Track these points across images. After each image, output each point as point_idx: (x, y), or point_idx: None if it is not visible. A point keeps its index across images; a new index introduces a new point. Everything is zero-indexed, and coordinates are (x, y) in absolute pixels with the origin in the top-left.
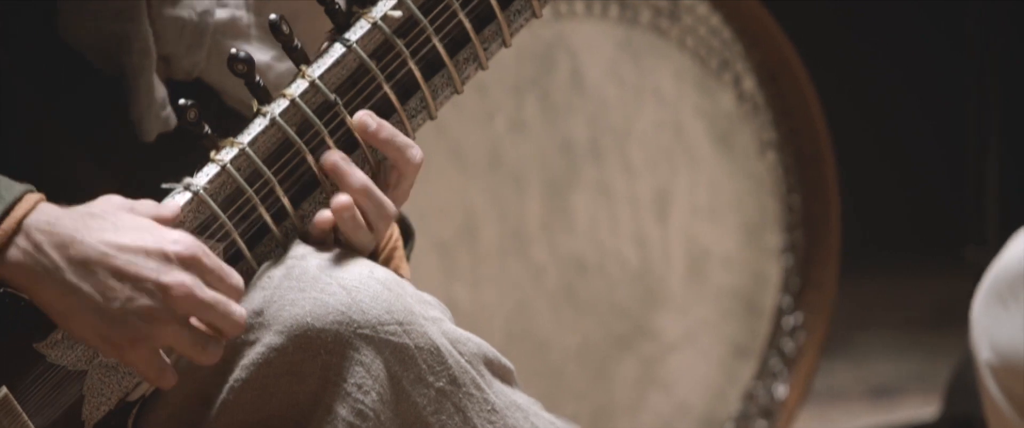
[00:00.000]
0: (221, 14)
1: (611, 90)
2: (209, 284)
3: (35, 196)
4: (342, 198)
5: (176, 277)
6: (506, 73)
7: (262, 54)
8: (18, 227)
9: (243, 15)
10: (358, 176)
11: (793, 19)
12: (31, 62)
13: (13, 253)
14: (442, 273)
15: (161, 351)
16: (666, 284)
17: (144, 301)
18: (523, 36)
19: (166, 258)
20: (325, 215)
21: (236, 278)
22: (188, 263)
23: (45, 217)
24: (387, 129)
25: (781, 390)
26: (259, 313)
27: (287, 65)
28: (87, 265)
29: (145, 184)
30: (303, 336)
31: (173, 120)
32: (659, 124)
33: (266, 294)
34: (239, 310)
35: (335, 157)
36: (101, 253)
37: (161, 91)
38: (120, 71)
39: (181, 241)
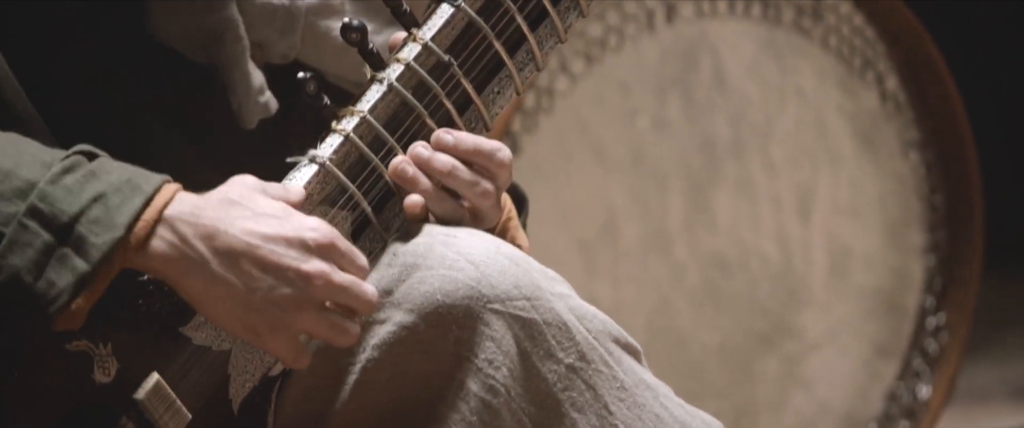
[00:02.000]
0: None
1: (753, 89)
2: (342, 268)
3: (173, 185)
4: (413, 198)
5: (315, 266)
6: (649, 72)
7: None
8: (160, 217)
9: None
10: (425, 182)
11: (936, 18)
12: (126, 60)
13: (157, 244)
14: (583, 271)
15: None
16: (808, 283)
17: (285, 290)
18: (666, 35)
19: (306, 247)
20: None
21: (363, 259)
22: (325, 250)
23: (188, 207)
24: (466, 140)
25: (924, 390)
26: (388, 292)
27: (382, 37)
28: (232, 256)
29: (251, 171)
30: (434, 313)
31: (273, 105)
32: (801, 123)
33: (393, 272)
34: (370, 289)
35: (402, 163)
36: (246, 243)
37: (258, 78)
38: (215, 62)
39: (318, 229)
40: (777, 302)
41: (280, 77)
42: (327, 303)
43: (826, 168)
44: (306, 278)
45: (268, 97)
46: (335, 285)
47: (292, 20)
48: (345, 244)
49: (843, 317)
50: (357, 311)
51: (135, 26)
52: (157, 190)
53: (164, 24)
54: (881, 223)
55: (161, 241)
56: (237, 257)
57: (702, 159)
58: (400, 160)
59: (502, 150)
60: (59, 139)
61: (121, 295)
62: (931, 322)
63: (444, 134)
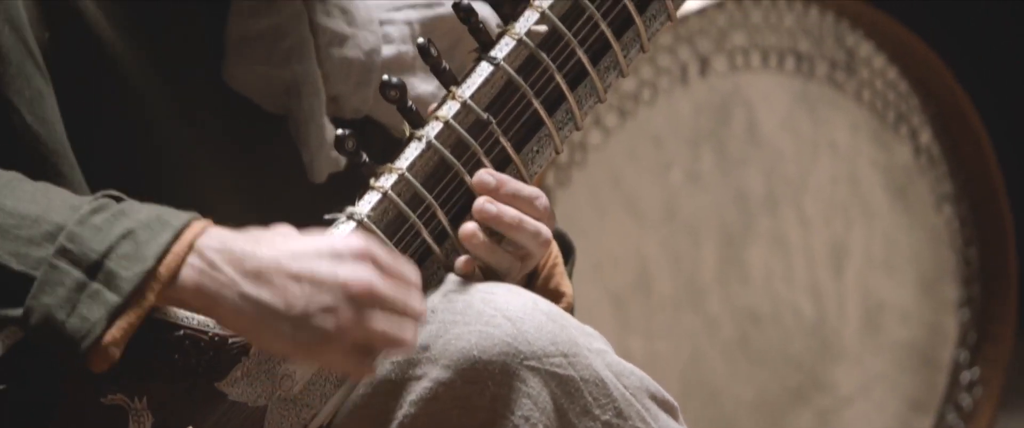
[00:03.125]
0: (387, 51)
1: (787, 142)
2: (384, 275)
3: (203, 221)
4: (468, 226)
5: (352, 271)
6: (682, 125)
7: (427, 85)
8: (190, 248)
9: (408, 49)
10: (511, 184)
11: (970, 72)
12: (199, 107)
13: (188, 273)
14: (617, 324)
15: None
16: (841, 337)
17: (325, 299)
18: (700, 88)
19: (338, 255)
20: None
21: (409, 267)
22: (360, 256)
23: (217, 237)
24: (509, 183)
25: None
26: (426, 348)
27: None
28: (262, 274)
29: (315, 224)
30: (471, 369)
31: (343, 160)
32: (835, 177)
33: (431, 328)
34: (419, 298)
35: (482, 201)
36: (274, 260)
37: (331, 132)
38: (288, 113)
39: (350, 238)
40: (811, 356)
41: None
42: (375, 311)
43: (860, 222)
44: (343, 285)
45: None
46: (377, 291)
47: (367, 74)
48: (384, 252)
49: (877, 371)
50: (405, 314)
51: (210, 74)
52: (186, 225)
53: (241, 73)
54: (915, 277)
55: (191, 270)
56: (268, 275)
57: (735, 212)
58: (469, 226)
59: (542, 197)
60: (119, 186)
61: (157, 349)
62: (965, 376)
63: (486, 176)
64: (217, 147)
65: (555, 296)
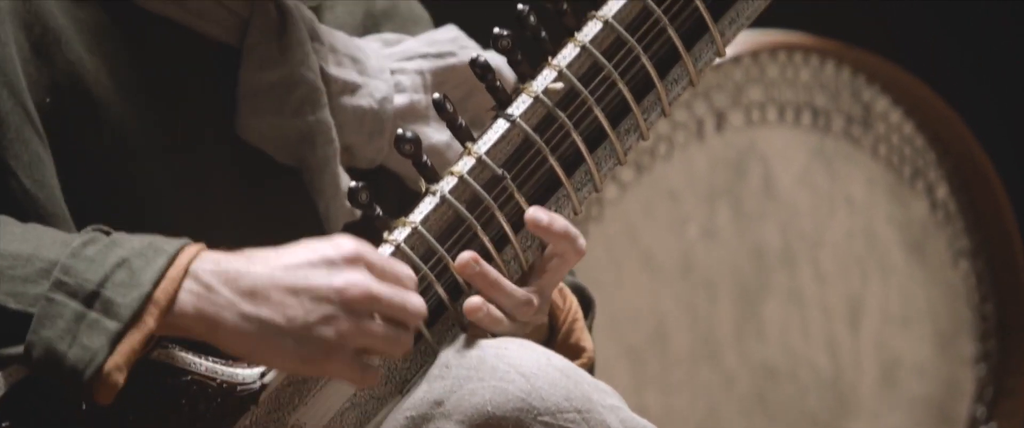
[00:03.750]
0: (400, 100)
1: (803, 197)
2: (379, 278)
3: (196, 245)
4: (473, 300)
5: (346, 277)
6: (699, 180)
7: (440, 135)
8: (185, 273)
9: (421, 98)
10: (491, 275)
11: (987, 127)
12: (210, 163)
13: (185, 298)
14: (633, 379)
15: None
16: (858, 392)
17: (323, 309)
18: (716, 143)
19: (331, 263)
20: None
21: (404, 268)
22: (353, 261)
23: (210, 260)
24: (559, 221)
25: None
26: (439, 403)
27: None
28: (259, 292)
29: None
30: (485, 425)
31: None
32: (851, 232)
33: (445, 384)
34: (416, 298)
35: (466, 257)
36: (269, 276)
37: (346, 181)
38: (303, 164)
39: (341, 243)
40: (827, 411)
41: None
42: (374, 316)
43: (876, 277)
44: (339, 292)
45: None
46: (373, 294)
47: (380, 124)
48: (377, 255)
49: (894, 427)
50: (404, 321)
51: (221, 128)
52: (180, 250)
53: (253, 125)
54: (931, 332)
55: (188, 294)
56: (265, 291)
57: (752, 267)
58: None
59: (581, 238)
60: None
61: (163, 394)
62: None
63: (540, 213)
64: (230, 201)
65: (576, 351)
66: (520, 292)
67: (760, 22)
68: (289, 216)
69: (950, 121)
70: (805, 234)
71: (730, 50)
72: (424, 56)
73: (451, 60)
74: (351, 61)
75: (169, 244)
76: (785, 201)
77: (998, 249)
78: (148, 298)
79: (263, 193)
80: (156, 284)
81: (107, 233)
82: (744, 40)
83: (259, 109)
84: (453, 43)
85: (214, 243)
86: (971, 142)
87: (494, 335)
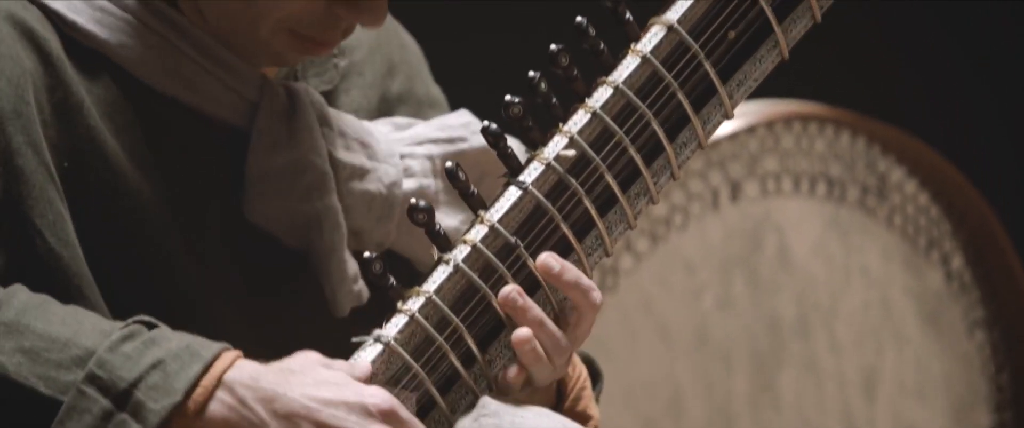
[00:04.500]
0: (409, 185)
1: (818, 268)
2: None
3: (233, 353)
4: (522, 332)
5: None
6: (714, 251)
7: (452, 218)
8: (219, 382)
9: (430, 183)
10: (535, 310)
11: (1002, 197)
12: (217, 243)
13: (216, 407)
14: None
15: None
16: None
17: None
18: (731, 214)
19: (367, 411)
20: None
21: None
22: (387, 416)
23: (247, 373)
24: (571, 271)
25: None
26: None
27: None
28: (292, 419)
29: (338, 357)
30: None
31: (365, 294)
32: (866, 302)
33: None
34: None
35: (512, 292)
36: (305, 406)
37: (353, 266)
38: (310, 248)
39: (378, 395)
40: None
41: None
42: None
43: (891, 347)
44: None
45: (361, 286)
46: None
47: (389, 208)
48: (407, 414)
49: None
50: None
51: (229, 209)
52: (216, 356)
53: (261, 208)
54: (947, 403)
55: (220, 404)
56: (297, 420)
57: (767, 338)
58: (509, 288)
59: (596, 291)
60: (140, 309)
61: None
62: None
63: (551, 260)
64: (236, 282)
65: (582, 419)
66: (560, 333)
67: (775, 92)
68: (295, 299)
69: (965, 191)
70: (820, 304)
71: (745, 120)
72: (434, 141)
73: (462, 145)
74: (360, 145)
75: (206, 349)
76: (800, 271)
77: (1013, 319)
78: (178, 407)
79: (269, 275)
80: (189, 393)
81: (150, 325)
82: (759, 110)
83: (267, 192)
84: (464, 128)
85: (219, 320)
86: (986, 212)
87: (513, 392)
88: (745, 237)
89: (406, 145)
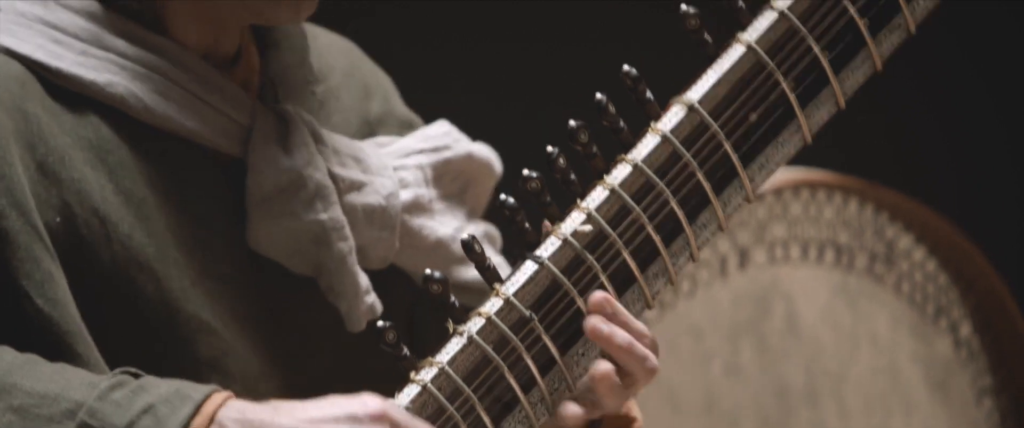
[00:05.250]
0: (405, 195)
1: (827, 335)
2: None
3: (223, 393)
4: (604, 365)
5: None
6: (722, 318)
7: (446, 227)
8: (211, 421)
9: (424, 192)
10: (620, 316)
11: (1010, 264)
12: (222, 279)
13: None
14: None
15: None
16: None
17: None
18: (739, 281)
19: (356, 419)
20: None
21: (424, 425)
22: (378, 418)
23: (236, 409)
24: (620, 335)
25: None
26: None
27: (470, 230)
28: None
29: (352, 373)
30: None
31: (378, 307)
32: (875, 369)
33: None
34: None
35: (595, 321)
36: None
37: (364, 279)
38: (319, 269)
39: (368, 401)
40: None
41: (376, 282)
42: None
43: (899, 415)
44: None
45: (374, 299)
46: None
47: (390, 220)
48: (402, 414)
49: None
50: None
51: (232, 242)
52: (206, 397)
53: (265, 234)
54: None
55: None
56: None
57: (776, 405)
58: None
59: (652, 358)
60: (149, 355)
61: None
62: None
63: (604, 302)
64: (245, 316)
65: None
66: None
67: None
68: (307, 326)
69: (973, 259)
70: (829, 371)
71: None
72: (421, 151)
73: (447, 153)
74: (354, 161)
75: (196, 391)
76: (808, 338)
77: (1022, 387)
78: None
79: (279, 304)
80: None
81: (135, 375)
82: None
83: (271, 214)
84: (446, 136)
85: (232, 355)
86: (994, 280)
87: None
88: (753, 304)
89: (396, 158)
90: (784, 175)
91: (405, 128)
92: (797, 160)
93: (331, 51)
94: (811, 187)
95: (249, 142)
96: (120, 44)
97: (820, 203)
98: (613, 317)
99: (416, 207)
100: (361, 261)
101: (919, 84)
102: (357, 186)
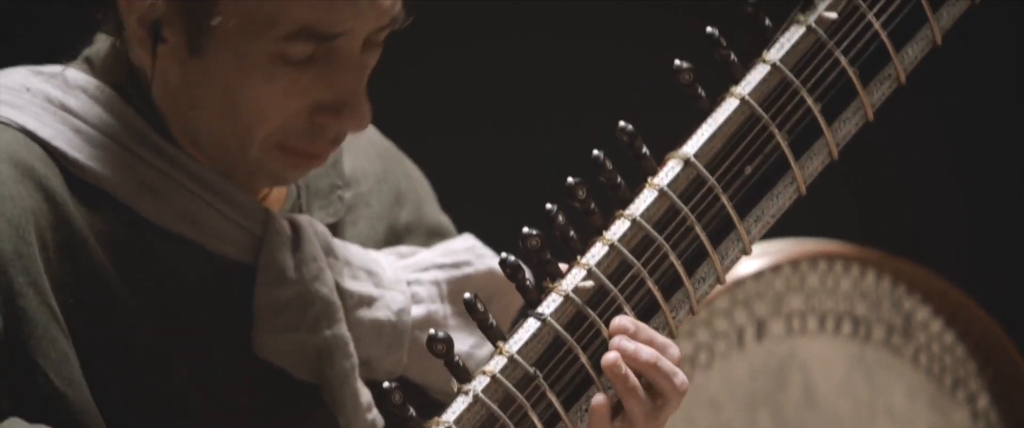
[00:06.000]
0: (417, 311)
1: (844, 407)
2: None
3: None
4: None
5: None
6: (739, 389)
7: (461, 343)
8: None
9: (438, 308)
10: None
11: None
12: (227, 379)
13: None
14: None
15: None
16: None
17: None
18: (756, 352)
19: None
20: None
21: None
22: None
23: None
24: (645, 351)
25: None
26: None
27: (486, 350)
28: None
29: None
30: None
31: (380, 422)
32: None
33: None
34: None
35: (619, 340)
36: None
37: (366, 395)
38: (322, 380)
39: None
40: None
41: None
42: None
43: None
44: None
45: (375, 415)
46: None
47: (399, 336)
48: None
49: None
50: None
51: (238, 345)
52: None
53: (270, 343)
54: None
55: None
56: None
57: None
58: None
59: (674, 347)
60: None
61: None
62: None
63: (626, 322)
64: (248, 417)
65: None
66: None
67: (800, 231)
68: None
69: (990, 330)
70: None
71: (770, 259)
72: (440, 266)
73: (467, 270)
74: (367, 274)
75: None
76: (826, 410)
77: None
78: None
79: (282, 409)
80: None
81: None
82: (784, 249)
83: (276, 326)
84: (469, 252)
85: None
86: (1012, 351)
87: None
88: (770, 375)
89: (412, 272)
90: (801, 246)
91: (433, 236)
92: (814, 231)
93: (368, 153)
94: (828, 259)
95: (260, 251)
96: (139, 145)
97: (837, 275)
98: (636, 334)
99: (429, 323)
100: (368, 373)
101: (937, 156)
102: (367, 301)
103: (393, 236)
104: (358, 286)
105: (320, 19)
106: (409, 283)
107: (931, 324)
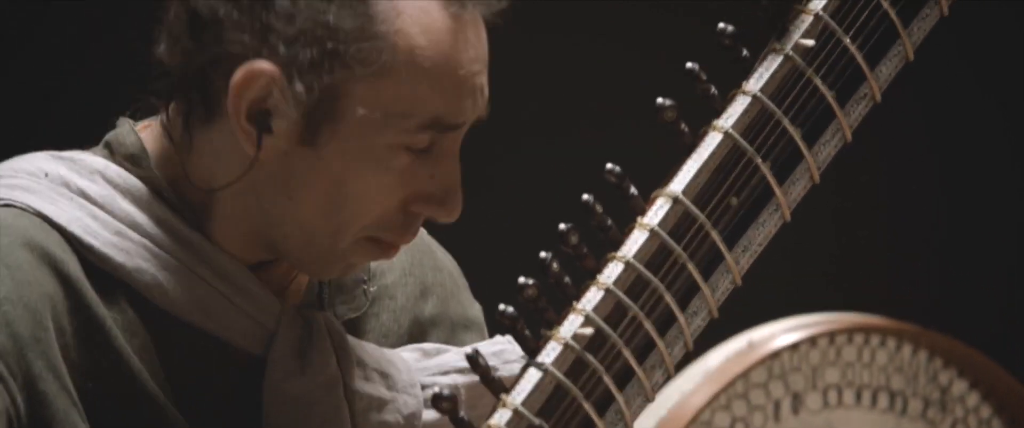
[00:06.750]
0: (429, 416)
1: None
2: None
3: None
4: None
5: None
6: None
7: None
8: None
9: None
10: None
11: None
12: None
13: None
14: None
15: None
16: None
17: None
18: (792, 425)
19: None
20: None
21: None
22: None
23: None
24: None
25: None
26: None
27: None
28: None
29: None
30: None
31: None
32: None
33: None
34: None
35: None
36: None
37: None
38: None
39: None
40: None
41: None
42: None
43: None
44: None
45: None
46: None
47: None
48: None
49: None
50: None
51: None
52: None
53: None
54: None
55: None
56: None
57: None
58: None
59: None
60: None
61: None
62: None
63: None
64: None
65: None
66: None
67: (836, 305)
68: None
69: None
70: None
71: (807, 332)
72: (461, 370)
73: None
74: (380, 375)
75: None
76: None
77: None
78: None
79: None
80: None
81: None
82: (821, 322)
83: (281, 421)
84: (495, 358)
85: None
86: None
87: None
88: None
89: (430, 375)
90: (837, 320)
91: (459, 330)
92: (849, 306)
93: None
94: (865, 332)
95: (271, 345)
96: (156, 232)
97: (873, 348)
98: None
99: (441, 424)
100: None
101: (971, 229)
102: (377, 404)
103: (417, 329)
104: (369, 388)
105: (450, 110)
106: (425, 386)
107: (968, 398)
